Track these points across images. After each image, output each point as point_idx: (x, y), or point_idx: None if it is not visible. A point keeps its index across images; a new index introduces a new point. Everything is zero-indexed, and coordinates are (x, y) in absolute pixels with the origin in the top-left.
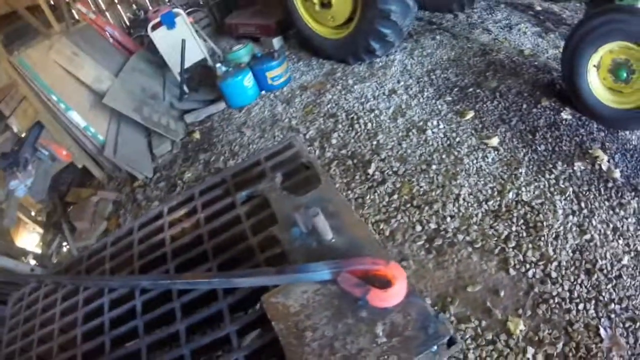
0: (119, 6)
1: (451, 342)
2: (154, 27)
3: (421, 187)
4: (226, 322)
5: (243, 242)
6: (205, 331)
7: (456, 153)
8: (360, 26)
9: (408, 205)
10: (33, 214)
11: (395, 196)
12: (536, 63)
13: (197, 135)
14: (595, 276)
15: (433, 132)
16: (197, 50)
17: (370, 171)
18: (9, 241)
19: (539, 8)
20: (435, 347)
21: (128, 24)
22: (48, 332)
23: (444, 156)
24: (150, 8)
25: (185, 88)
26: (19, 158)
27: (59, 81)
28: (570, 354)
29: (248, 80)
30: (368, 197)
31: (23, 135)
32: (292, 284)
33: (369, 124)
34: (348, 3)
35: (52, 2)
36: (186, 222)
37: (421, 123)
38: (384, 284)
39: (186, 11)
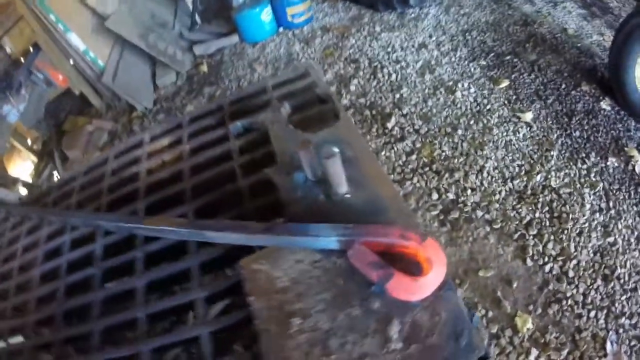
0: None
1: (483, 358)
2: None
3: (443, 151)
4: (194, 286)
5: (230, 183)
6: (173, 290)
7: (485, 121)
8: None
9: (426, 168)
10: (29, 142)
11: (414, 157)
12: (579, 45)
13: (204, 68)
14: (612, 284)
15: (462, 95)
16: None
17: (390, 125)
18: (1, 169)
19: None
20: None
21: None
22: (8, 270)
23: (471, 122)
24: None
25: (198, 18)
26: (13, 81)
27: (60, 1)
28: None
29: (266, 14)
30: (383, 153)
31: (21, 59)
32: (283, 248)
33: (393, 75)
34: None
35: None
36: (167, 154)
37: (450, 83)
38: (413, 268)
39: None
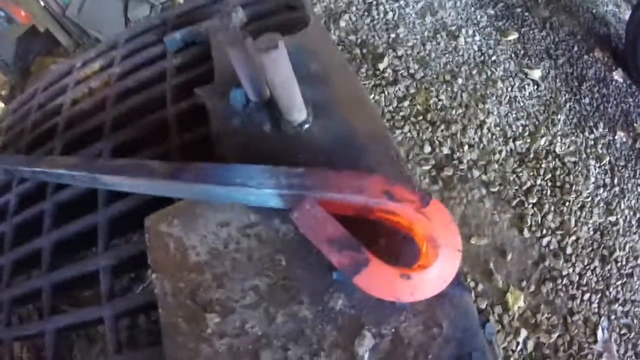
0: None
1: None
2: None
3: (440, 100)
4: (99, 250)
5: (158, 112)
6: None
7: (489, 73)
8: None
9: (420, 117)
10: None
11: (407, 103)
12: (594, 11)
13: (180, 0)
14: (609, 267)
15: (466, 42)
16: None
17: (381, 67)
18: None
19: None
20: None
21: None
22: None
23: (474, 72)
24: None
25: None
26: None
27: None
28: (562, 348)
29: None
30: (373, 96)
31: None
32: (204, 203)
33: (390, 14)
34: None
35: None
36: (95, 80)
37: (454, 28)
38: (405, 248)
39: None
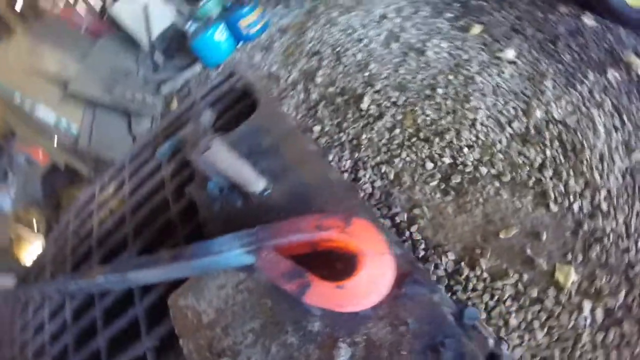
0: None
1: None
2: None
3: (427, 115)
4: (142, 335)
5: (163, 214)
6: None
7: (465, 72)
8: None
9: (414, 139)
10: (35, 226)
11: (397, 131)
12: None
13: (175, 105)
14: None
15: (435, 53)
16: (164, 15)
17: (364, 106)
18: (10, 259)
19: None
20: None
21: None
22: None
23: (450, 77)
24: None
25: (160, 57)
26: None
27: (21, 78)
28: (635, 304)
29: (220, 33)
30: (364, 136)
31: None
32: (205, 277)
33: (359, 55)
34: None
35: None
36: (113, 200)
37: (419, 45)
38: (354, 267)
39: None
